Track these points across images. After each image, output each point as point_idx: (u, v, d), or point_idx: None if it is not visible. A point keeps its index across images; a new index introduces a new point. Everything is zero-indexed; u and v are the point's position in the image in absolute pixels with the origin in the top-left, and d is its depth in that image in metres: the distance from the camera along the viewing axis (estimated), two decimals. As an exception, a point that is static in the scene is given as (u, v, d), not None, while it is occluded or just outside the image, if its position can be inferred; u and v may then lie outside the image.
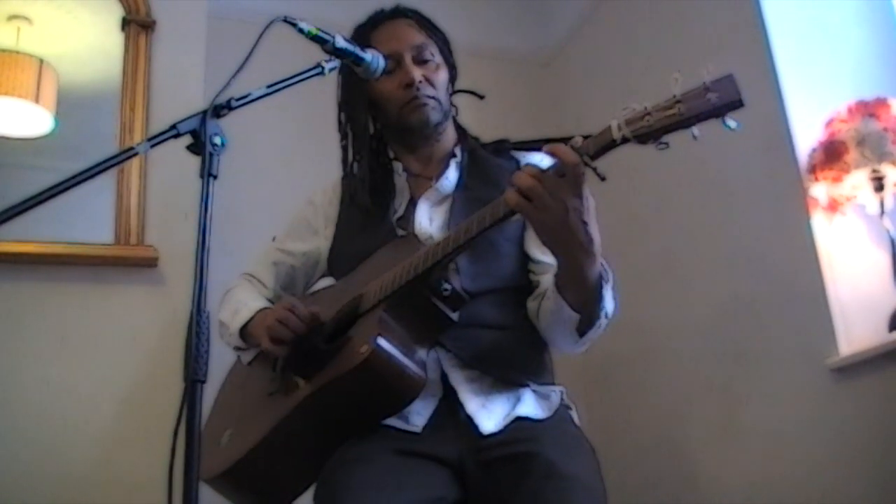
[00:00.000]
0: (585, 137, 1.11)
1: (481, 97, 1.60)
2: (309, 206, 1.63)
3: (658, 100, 1.04)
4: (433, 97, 1.50)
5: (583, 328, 1.29)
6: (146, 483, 1.90)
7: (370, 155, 1.55)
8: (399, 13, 1.55)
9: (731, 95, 0.99)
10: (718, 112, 1.00)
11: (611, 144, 1.07)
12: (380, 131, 1.58)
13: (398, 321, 1.26)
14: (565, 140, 1.12)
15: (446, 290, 1.25)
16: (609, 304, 1.30)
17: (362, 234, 1.49)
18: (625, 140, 1.06)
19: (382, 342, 1.21)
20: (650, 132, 1.04)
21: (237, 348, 1.52)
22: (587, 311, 1.27)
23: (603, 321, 1.31)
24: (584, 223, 1.15)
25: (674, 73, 1.03)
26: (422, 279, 1.25)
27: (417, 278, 1.25)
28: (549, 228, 1.16)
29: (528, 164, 1.16)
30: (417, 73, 1.49)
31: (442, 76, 1.53)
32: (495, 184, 1.46)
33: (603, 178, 1.09)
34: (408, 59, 1.49)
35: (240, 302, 1.52)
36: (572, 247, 1.18)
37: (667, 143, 1.05)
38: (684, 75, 1.02)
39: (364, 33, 1.53)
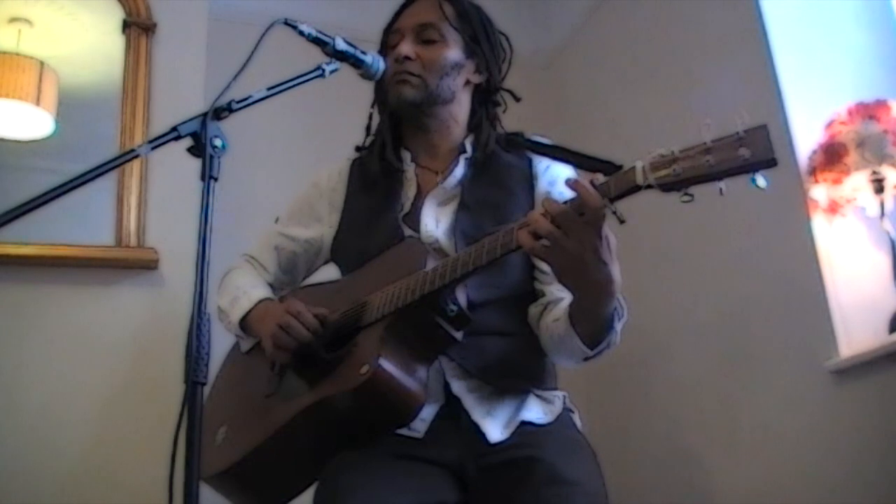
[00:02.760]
0: (604, 165, 1.08)
1: (518, 99, 1.58)
2: (313, 190, 1.58)
3: (687, 144, 0.99)
4: (417, 75, 1.44)
5: (587, 356, 1.28)
6: (147, 484, 1.90)
7: (391, 129, 1.52)
8: None
9: (764, 154, 0.94)
10: (749, 169, 0.95)
11: (634, 189, 1.02)
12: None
13: (400, 339, 1.24)
14: (582, 156, 1.08)
15: (452, 311, 1.23)
16: (617, 337, 1.28)
17: (368, 231, 1.45)
18: (649, 187, 1.01)
19: (384, 363, 1.20)
20: (676, 182, 0.99)
21: (236, 335, 1.50)
22: (595, 343, 1.25)
23: (608, 349, 1.29)
24: (604, 263, 1.11)
25: (705, 119, 0.98)
26: (426, 299, 1.23)
27: (423, 299, 1.22)
28: (566, 268, 1.13)
29: (545, 200, 1.11)
30: (405, 48, 1.44)
31: (442, 57, 1.46)
32: (504, 185, 1.45)
33: (622, 221, 1.05)
34: (407, 35, 1.46)
35: (239, 289, 1.49)
36: (589, 286, 1.15)
37: (692, 196, 0.99)
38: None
39: (398, 11, 1.52)
